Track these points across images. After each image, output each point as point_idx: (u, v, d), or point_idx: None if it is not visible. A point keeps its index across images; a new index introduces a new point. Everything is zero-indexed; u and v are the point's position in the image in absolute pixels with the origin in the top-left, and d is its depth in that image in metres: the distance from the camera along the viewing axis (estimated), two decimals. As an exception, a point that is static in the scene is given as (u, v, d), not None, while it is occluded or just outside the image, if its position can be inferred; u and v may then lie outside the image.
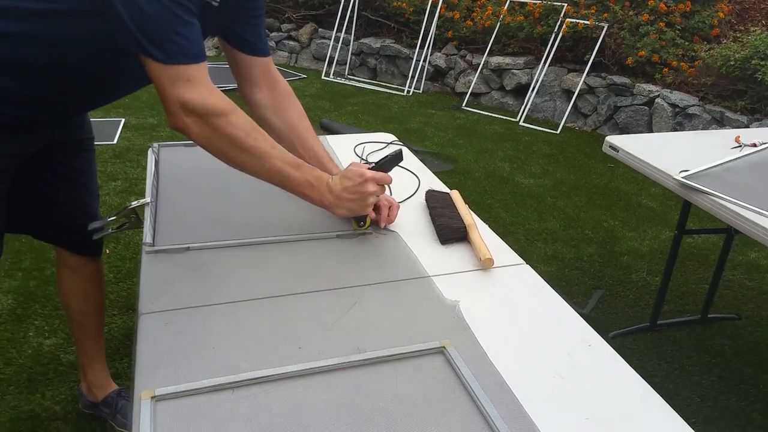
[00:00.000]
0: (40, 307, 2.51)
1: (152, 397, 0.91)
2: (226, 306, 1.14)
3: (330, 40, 7.22)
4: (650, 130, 5.06)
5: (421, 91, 6.59)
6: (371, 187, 1.29)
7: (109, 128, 4.66)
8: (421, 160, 3.99)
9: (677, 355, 2.40)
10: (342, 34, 7.15)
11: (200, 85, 1.16)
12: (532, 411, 0.91)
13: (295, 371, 0.97)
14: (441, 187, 1.67)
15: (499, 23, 6.05)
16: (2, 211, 1.50)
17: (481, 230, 1.43)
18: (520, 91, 6.01)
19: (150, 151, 1.83)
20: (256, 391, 0.94)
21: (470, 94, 6.24)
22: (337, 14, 7.09)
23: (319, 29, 7.57)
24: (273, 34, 7.80)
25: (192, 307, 1.13)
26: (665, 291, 2.44)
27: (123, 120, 4.85)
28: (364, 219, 1.38)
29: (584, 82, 5.46)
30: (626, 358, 2.23)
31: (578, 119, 5.66)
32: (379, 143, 1.99)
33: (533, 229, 3.45)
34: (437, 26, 6.50)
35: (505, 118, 5.74)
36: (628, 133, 5.01)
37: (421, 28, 6.51)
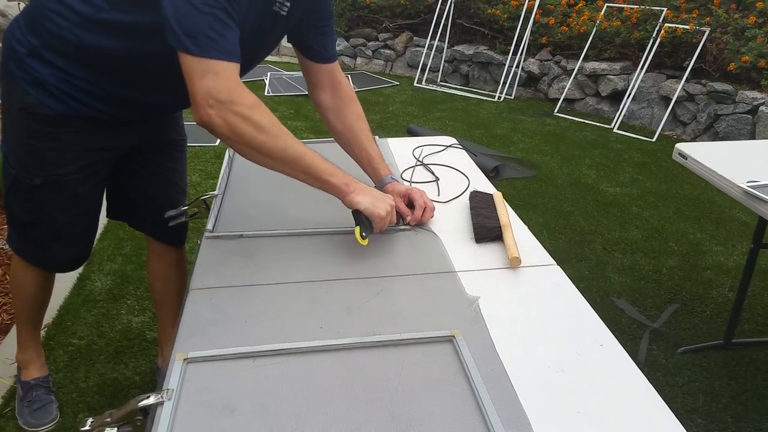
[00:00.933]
0: (134, 289, 2.75)
1: (185, 359, 1.04)
2: (264, 287, 1.25)
3: (424, 48, 7.32)
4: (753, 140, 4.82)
5: (512, 97, 6.57)
6: (391, 203, 1.38)
7: (212, 131, 4.93)
8: (498, 167, 4.02)
9: (751, 376, 2.30)
10: (436, 42, 7.23)
11: (228, 79, 1.20)
12: (526, 400, 0.95)
13: (311, 347, 1.06)
14: (489, 189, 1.72)
15: (595, 28, 5.94)
16: (101, 196, 1.73)
17: (519, 231, 1.47)
18: (616, 97, 5.87)
19: (227, 151, 1.98)
20: (274, 361, 1.04)
21: (563, 100, 6.16)
22: (432, 23, 7.18)
23: (415, 38, 7.69)
24: (370, 43, 7.99)
25: (235, 286, 1.26)
26: (740, 307, 2.34)
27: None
28: (366, 232, 1.36)
29: (683, 88, 5.27)
30: (692, 375, 2.22)
31: (677, 127, 5.47)
32: (437, 146, 2.06)
33: (612, 238, 3.38)
34: (531, 32, 6.46)
35: (598, 124, 5.63)
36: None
37: (514, 35, 6.49)
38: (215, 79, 1.19)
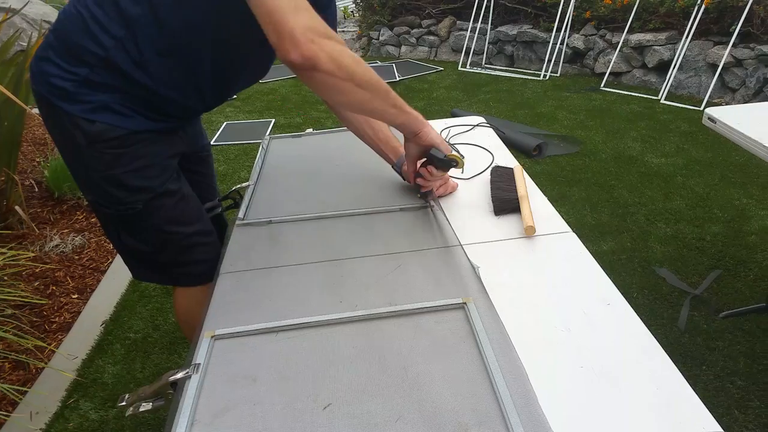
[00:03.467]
0: (185, 285, 2.87)
1: (212, 336, 1.11)
2: (289, 267, 1.32)
3: (468, 31, 7.30)
4: (808, 102, 4.64)
5: (558, 75, 6.48)
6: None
7: (261, 128, 5.07)
8: (541, 145, 4.01)
9: (796, 338, 2.26)
10: (479, 24, 7.19)
11: (315, 14, 1.17)
12: (532, 357, 1.00)
13: (329, 320, 1.13)
14: (512, 163, 1.75)
15: (638, -1, 5.81)
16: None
17: (537, 202, 1.50)
18: (663, 68, 5.73)
19: (262, 143, 2.06)
20: (295, 335, 1.11)
21: (610, 74, 6.05)
22: (475, 5, 7.13)
23: (458, 21, 7.66)
24: (414, 30, 8.00)
25: (262, 269, 1.33)
26: (783, 269, 2.30)
27: (273, 120, 5.24)
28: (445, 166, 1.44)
29: (731, 54, 5.11)
30: (734, 339, 2.20)
31: (725, 94, 5.31)
32: (464, 125, 2.09)
33: (656, 209, 3.34)
34: (575, 7, 6.35)
35: (645, 96, 5.51)
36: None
37: (558, 11, 6.40)
38: (310, 14, 1.16)
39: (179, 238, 1.54)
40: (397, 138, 1.68)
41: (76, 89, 1.33)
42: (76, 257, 3.06)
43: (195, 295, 1.64)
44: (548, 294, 1.16)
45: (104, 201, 1.46)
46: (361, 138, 1.69)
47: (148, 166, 1.44)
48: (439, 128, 2.09)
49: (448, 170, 1.45)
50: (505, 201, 1.48)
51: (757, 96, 5.02)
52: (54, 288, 2.80)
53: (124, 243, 1.55)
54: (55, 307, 2.68)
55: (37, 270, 2.91)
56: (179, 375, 1.04)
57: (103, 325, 2.58)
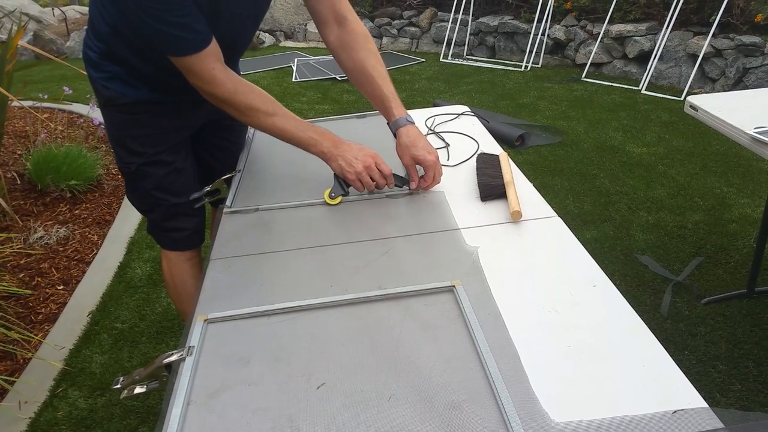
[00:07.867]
0: (171, 275, 2.87)
1: (205, 320, 1.13)
2: (278, 254, 1.33)
3: (449, 22, 7.31)
4: (786, 92, 4.71)
5: (539, 66, 6.53)
6: (363, 169, 1.47)
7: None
8: (524, 135, 4.04)
9: (775, 322, 2.31)
10: (460, 15, 7.21)
11: (203, 72, 1.41)
12: (520, 338, 1.02)
13: (320, 303, 1.14)
14: (497, 150, 1.77)
15: (618, -10, 5.86)
16: (193, 166, 1.80)
17: (523, 188, 1.52)
18: (644, 58, 5.79)
19: (247, 133, 2.07)
20: (286, 318, 1.12)
21: (591, 65, 6.10)
22: (455, -5, 7.16)
23: (439, 13, 7.68)
24: (395, 21, 8.02)
25: (252, 255, 1.34)
26: (761, 256, 2.35)
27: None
28: (335, 192, 1.52)
29: (710, 44, 5.18)
30: (715, 324, 2.25)
31: (705, 84, 5.38)
32: (449, 114, 2.11)
33: (638, 198, 3.39)
34: (555, -2, 6.40)
35: (626, 87, 5.58)
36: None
37: (539, 2, 6.43)
38: (194, 76, 1.43)
39: (166, 205, 1.74)
40: (397, 99, 1.66)
41: (98, 59, 1.58)
42: (61, 249, 3.05)
43: (174, 259, 1.86)
44: (535, 276, 1.19)
45: (116, 158, 1.72)
46: (361, 91, 1.68)
47: (147, 135, 1.65)
48: (423, 117, 2.10)
49: (335, 193, 1.53)
50: (491, 187, 1.50)
51: (737, 86, 5.09)
52: (39, 279, 2.79)
53: (129, 197, 1.81)
54: (41, 298, 2.67)
55: (21, 261, 2.89)
56: (174, 357, 1.05)
57: (90, 316, 2.57)
